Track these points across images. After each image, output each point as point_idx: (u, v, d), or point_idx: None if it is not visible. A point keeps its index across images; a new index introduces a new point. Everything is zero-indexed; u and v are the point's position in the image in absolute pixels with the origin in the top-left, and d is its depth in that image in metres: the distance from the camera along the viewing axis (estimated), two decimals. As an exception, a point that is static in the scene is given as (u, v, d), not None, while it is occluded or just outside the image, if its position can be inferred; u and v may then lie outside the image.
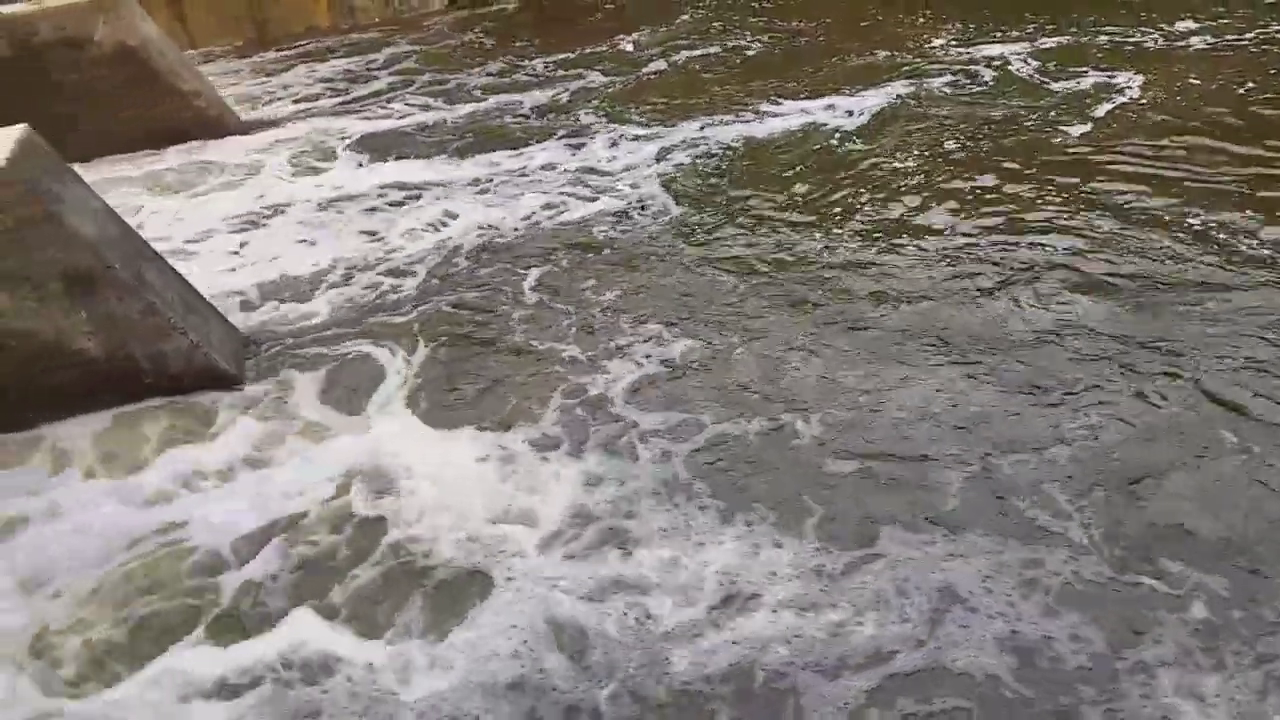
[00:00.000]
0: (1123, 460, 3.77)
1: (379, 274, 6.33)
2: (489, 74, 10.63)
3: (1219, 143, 6.52)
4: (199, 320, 5.25)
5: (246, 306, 6.12)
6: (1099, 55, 8.63)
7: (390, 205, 7.42)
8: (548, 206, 7.00)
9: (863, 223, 6.05)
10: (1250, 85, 7.51)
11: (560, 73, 10.34)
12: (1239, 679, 2.85)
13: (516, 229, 6.70)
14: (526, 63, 10.91)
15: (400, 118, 9.46)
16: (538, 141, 8.32)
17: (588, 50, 11.19)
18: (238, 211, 7.63)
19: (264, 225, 7.36)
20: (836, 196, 6.49)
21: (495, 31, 13.03)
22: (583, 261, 6.10)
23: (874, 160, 7.00)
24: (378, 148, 8.72)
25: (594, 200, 7.00)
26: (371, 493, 4.23)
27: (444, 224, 6.97)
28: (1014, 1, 10.16)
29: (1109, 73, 8.17)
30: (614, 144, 7.98)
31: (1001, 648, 3.03)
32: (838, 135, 7.60)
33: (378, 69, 11.52)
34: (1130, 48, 8.70)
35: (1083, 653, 2.97)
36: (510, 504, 4.01)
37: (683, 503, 3.88)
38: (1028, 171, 6.44)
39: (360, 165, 8.33)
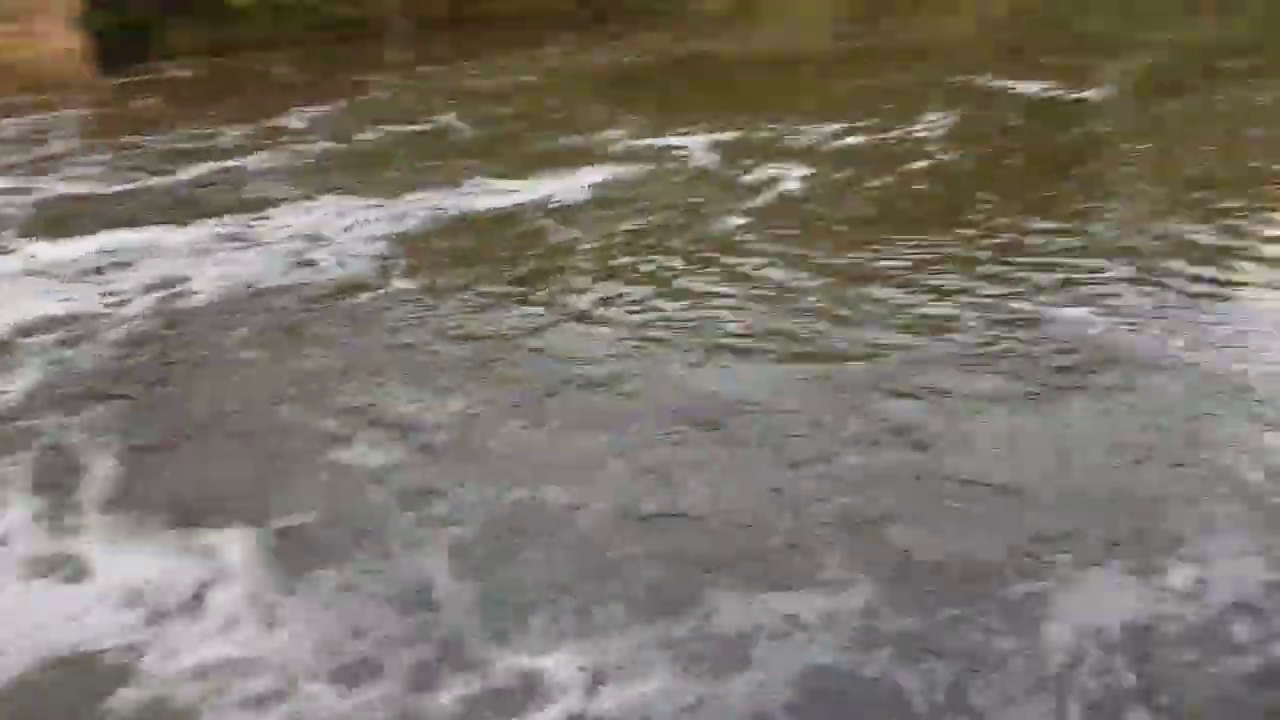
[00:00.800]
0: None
1: (80, 346, 5.21)
2: (184, 140, 9.39)
3: (858, 230, 6.92)
4: None
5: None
6: (764, 149, 9.06)
7: (90, 273, 6.19)
8: (269, 274, 6.19)
9: (563, 298, 5.85)
10: (885, 179, 8.12)
11: (260, 141, 9.32)
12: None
13: (233, 297, 5.86)
14: (217, 131, 9.76)
15: (88, 183, 8.03)
16: (254, 209, 7.40)
17: (277, 122, 10.27)
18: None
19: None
20: (543, 273, 6.31)
21: (171, 99, 11.68)
22: (310, 332, 5.43)
23: (572, 241, 6.85)
24: (71, 215, 7.32)
25: (319, 268, 6.29)
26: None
27: (153, 291, 5.94)
28: (696, 96, 10.55)
29: (773, 165, 8.54)
30: (339, 214, 7.23)
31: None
32: (541, 216, 7.39)
33: (45, 135, 9.81)
34: (790, 141, 9.22)
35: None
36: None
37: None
38: (702, 254, 6.49)
39: (55, 233, 6.91)
